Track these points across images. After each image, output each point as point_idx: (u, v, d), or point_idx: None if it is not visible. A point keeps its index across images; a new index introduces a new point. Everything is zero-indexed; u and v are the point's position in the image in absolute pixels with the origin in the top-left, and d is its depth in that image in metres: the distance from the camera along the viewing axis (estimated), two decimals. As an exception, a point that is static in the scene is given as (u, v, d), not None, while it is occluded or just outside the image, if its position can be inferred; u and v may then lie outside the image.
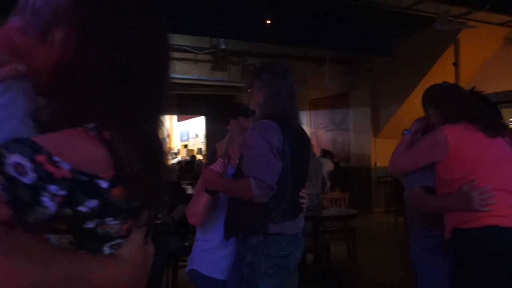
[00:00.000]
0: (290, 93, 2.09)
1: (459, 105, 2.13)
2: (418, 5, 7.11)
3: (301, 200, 2.12)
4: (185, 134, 17.57)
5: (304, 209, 2.17)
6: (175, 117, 17.94)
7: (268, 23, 7.42)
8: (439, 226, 2.09)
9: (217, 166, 2.11)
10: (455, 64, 8.45)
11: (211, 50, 8.29)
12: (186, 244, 4.68)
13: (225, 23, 7.32)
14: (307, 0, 7.23)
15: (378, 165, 10.44)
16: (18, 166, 0.64)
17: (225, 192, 2.10)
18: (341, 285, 4.73)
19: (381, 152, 10.45)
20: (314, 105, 11.91)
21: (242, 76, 9.21)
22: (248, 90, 2.19)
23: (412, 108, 9.83)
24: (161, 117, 0.83)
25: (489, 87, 5.62)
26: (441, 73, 8.79)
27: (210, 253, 2.17)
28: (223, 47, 7.97)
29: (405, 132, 2.38)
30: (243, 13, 7.31)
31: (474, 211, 1.89)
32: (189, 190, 7.63)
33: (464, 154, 2.00)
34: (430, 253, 2.24)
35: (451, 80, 8.33)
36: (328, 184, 7.90)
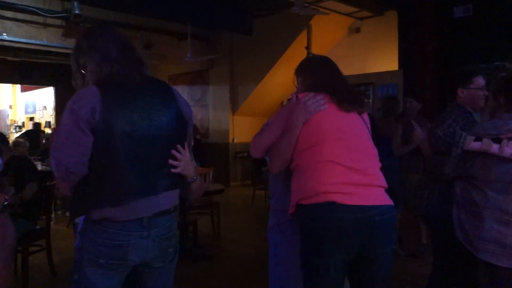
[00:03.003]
0: (121, 50, 1.78)
1: (324, 77, 2.10)
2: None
3: (173, 163, 1.78)
4: (30, 106, 15.85)
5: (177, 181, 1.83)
6: (18, 87, 16.09)
7: (128, -8, 7.03)
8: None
9: None
10: (307, 48, 9.07)
11: (63, 15, 7.51)
12: (38, 227, 4.29)
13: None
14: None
15: (235, 141, 10.82)
16: None
17: None
18: (207, 260, 4.81)
19: (239, 129, 10.84)
20: (173, 81, 11.73)
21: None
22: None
23: (268, 88, 10.35)
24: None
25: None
26: (294, 55, 9.36)
27: None
28: (77, 12, 7.25)
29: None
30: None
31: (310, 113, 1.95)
32: (39, 167, 6.91)
33: (314, 124, 1.96)
34: (283, 227, 2.22)
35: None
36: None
